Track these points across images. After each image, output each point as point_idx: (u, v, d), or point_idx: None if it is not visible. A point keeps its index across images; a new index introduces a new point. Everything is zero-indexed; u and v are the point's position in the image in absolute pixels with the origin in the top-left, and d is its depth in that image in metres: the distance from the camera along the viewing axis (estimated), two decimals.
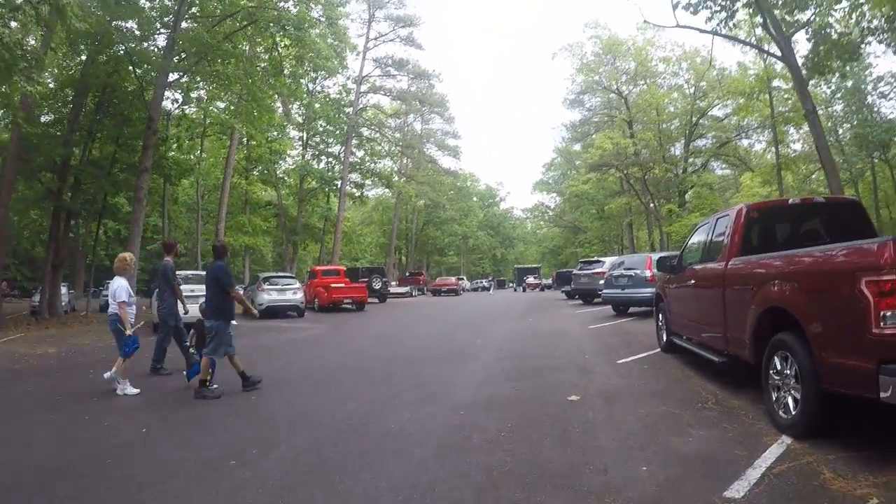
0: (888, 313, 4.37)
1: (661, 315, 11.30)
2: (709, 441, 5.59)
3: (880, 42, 22.16)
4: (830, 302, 5.07)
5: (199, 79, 28.24)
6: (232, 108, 30.03)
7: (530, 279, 68.32)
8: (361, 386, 8.91)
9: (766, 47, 26.42)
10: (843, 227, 7.75)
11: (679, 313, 9.91)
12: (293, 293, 24.44)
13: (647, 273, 18.17)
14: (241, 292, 9.69)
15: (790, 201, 8.31)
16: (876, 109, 40.72)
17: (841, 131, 42.52)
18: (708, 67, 36.93)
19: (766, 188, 43.82)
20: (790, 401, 5.71)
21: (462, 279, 66.62)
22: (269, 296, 23.82)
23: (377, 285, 35.33)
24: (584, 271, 26.50)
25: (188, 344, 9.90)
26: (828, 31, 20.95)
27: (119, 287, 8.62)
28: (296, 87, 31.39)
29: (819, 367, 5.12)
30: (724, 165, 55.40)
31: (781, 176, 36.04)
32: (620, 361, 10.32)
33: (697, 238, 9.49)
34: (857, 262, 4.71)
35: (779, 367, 5.93)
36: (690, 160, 50.70)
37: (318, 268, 32.01)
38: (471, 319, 21.51)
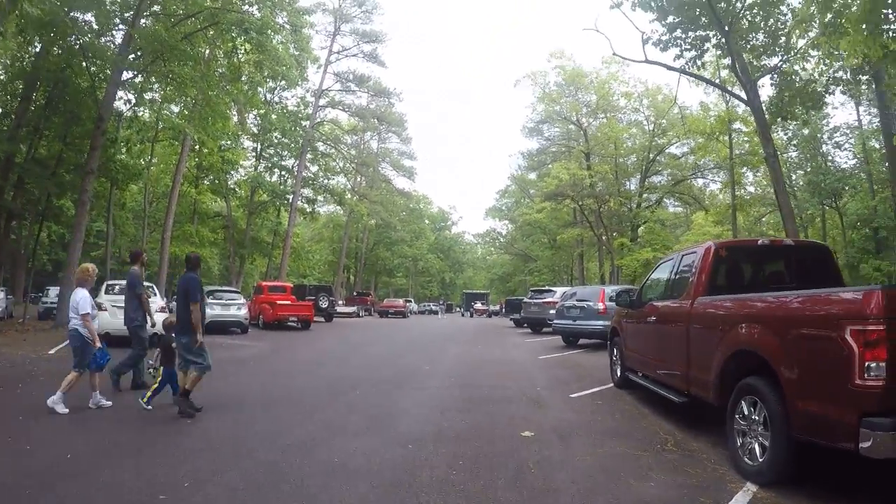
0: (872, 364, 4.17)
1: (615, 349, 11.04)
2: (671, 487, 5.28)
3: (843, 93, 22.58)
4: (809, 348, 4.84)
5: (153, 79, 27.27)
6: (186, 112, 28.97)
7: (478, 305, 68.15)
8: (304, 412, 8.39)
9: (731, 89, 26.73)
10: (810, 272, 7.62)
11: (636, 349, 9.65)
12: (237, 308, 23.63)
13: (600, 305, 18.00)
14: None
15: (759, 242, 8.10)
16: (830, 158, 41.66)
17: (794, 177, 43.35)
18: (671, 105, 37.24)
19: (718, 227, 44.49)
20: (757, 447, 5.47)
21: (410, 301, 66.09)
22: (211, 310, 22.81)
23: (324, 304, 34.58)
24: (535, 300, 26.28)
25: (151, 363, 9.30)
26: (793, 77, 21.23)
27: (82, 299, 8.16)
28: (252, 94, 30.68)
29: (792, 415, 4.90)
30: (676, 203, 56.27)
31: (736, 216, 36.42)
32: (574, 396, 10.00)
33: (660, 274, 9.26)
34: (843, 310, 4.48)
35: (745, 412, 5.68)
36: (645, 196, 51.25)
37: (264, 283, 31.16)
38: (418, 343, 21.08)
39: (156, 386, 8.53)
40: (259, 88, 44.65)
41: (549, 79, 52.48)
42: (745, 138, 34.79)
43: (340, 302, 51.43)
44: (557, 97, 52.03)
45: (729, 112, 33.68)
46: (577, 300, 19.03)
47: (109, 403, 8.32)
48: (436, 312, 69.97)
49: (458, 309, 78.76)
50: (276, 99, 47.31)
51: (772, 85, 22.15)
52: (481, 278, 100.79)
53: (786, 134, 39.51)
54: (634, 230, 49.73)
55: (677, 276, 8.32)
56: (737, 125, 34.62)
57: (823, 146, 41.62)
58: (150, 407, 8.24)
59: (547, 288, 29.51)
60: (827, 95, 22.06)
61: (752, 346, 5.64)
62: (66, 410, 7.79)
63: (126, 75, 25.17)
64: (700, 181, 51.94)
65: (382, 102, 56.28)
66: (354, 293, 60.95)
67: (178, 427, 7.43)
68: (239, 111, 39.07)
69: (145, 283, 10.96)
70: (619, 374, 10.78)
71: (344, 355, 16.54)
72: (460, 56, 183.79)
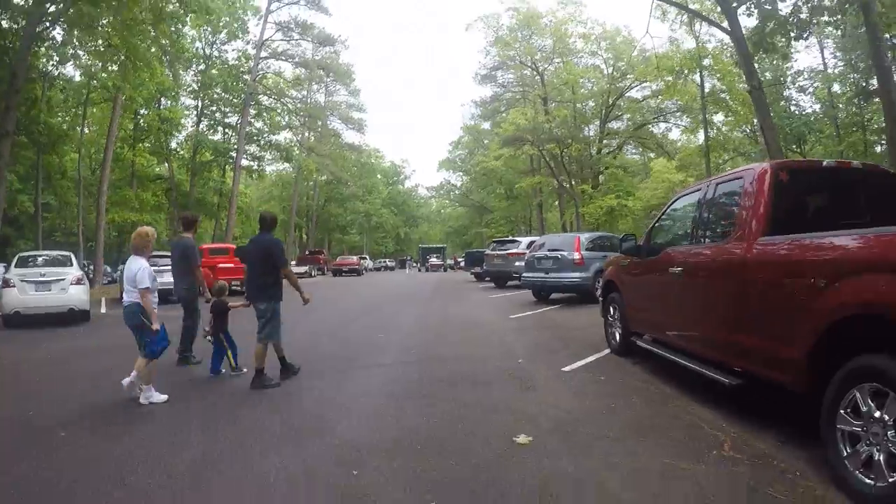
0: None
1: (612, 308, 8.94)
2: None
3: (827, 24, 21.07)
4: None
5: (75, 33, 24.13)
6: (110, 66, 25.88)
7: (433, 259, 66.24)
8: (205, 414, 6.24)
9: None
10: (882, 204, 5.57)
11: (647, 309, 7.55)
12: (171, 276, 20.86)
13: (576, 255, 15.97)
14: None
15: (825, 163, 5.90)
16: (794, 102, 40.54)
17: (756, 121, 42.02)
18: (637, 43, 35.43)
19: (681, 174, 42.94)
20: (881, 459, 3.56)
21: (365, 258, 63.75)
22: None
23: None
24: (498, 252, 24.18)
25: (207, 330, 8.41)
26: (775, 5, 19.67)
27: (141, 270, 6.91)
28: (178, 38, 27.59)
29: None
30: (635, 150, 54.89)
31: (709, 159, 34.70)
32: (567, 369, 7.88)
33: (679, 212, 7.20)
34: None
35: (861, 406, 3.71)
36: (605, 142, 49.64)
37: (205, 246, 28.51)
38: (373, 305, 18.81)
39: (229, 352, 8.14)
40: (191, 34, 42.22)
41: (502, 21, 50.07)
42: (717, 75, 32.87)
43: (292, 262, 49.15)
44: (511, 41, 49.55)
45: (700, 48, 31.74)
46: (548, 250, 16.94)
47: (165, 398, 6.83)
48: (392, 268, 68.04)
49: (414, 264, 76.97)
50: (217, 53, 45.34)
51: (748, 14, 20.69)
52: (437, 232, 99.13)
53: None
54: (596, 177, 48.08)
55: (712, 213, 6.25)
56: (706, 62, 32.85)
57: (787, 90, 40.39)
58: (244, 370, 7.95)
59: (511, 238, 27.36)
60: (811, 25, 20.49)
61: (878, 309, 3.64)
62: (165, 397, 6.81)
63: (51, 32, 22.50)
64: (662, 126, 50.65)
65: (328, 52, 53.15)
66: (307, 252, 58.47)
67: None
68: (172, 66, 36.09)
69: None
70: (618, 338, 8.73)
71: (283, 326, 14.07)
72: (366, 23, 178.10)
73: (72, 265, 15.74)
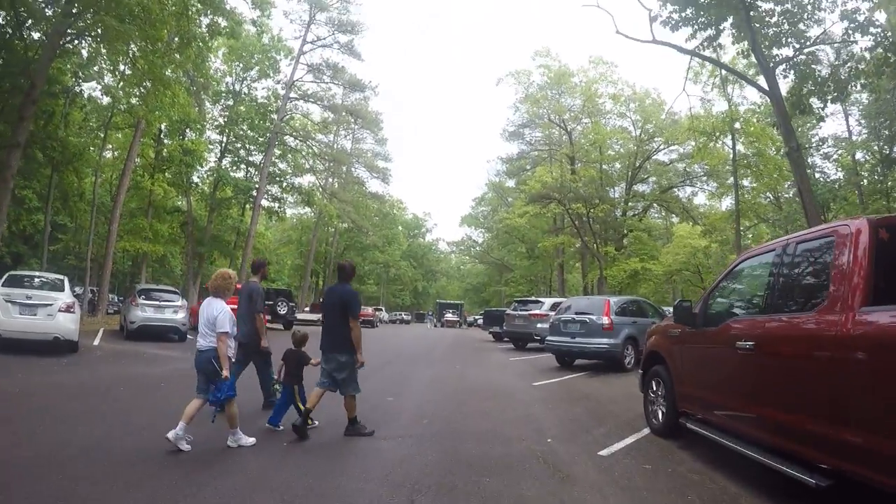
0: None
1: (656, 383, 7.87)
2: None
3: (863, 86, 20.44)
4: None
5: (102, 50, 23.76)
6: (132, 88, 25.44)
7: (448, 315, 65.06)
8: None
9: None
10: None
11: (703, 387, 6.49)
12: (173, 312, 20.00)
13: (605, 320, 14.84)
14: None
15: None
16: (819, 170, 39.53)
17: (778, 188, 41.09)
18: (667, 104, 34.89)
19: (705, 239, 41.90)
20: None
21: (380, 310, 62.66)
22: (143, 313, 19.46)
23: (282, 310, 30.91)
24: (519, 312, 23.07)
25: (275, 379, 8.32)
26: (814, 67, 19.03)
27: (223, 313, 6.60)
28: (202, 62, 27.09)
29: None
30: (657, 214, 54.09)
31: (739, 223, 33.62)
32: (604, 453, 6.78)
33: (746, 276, 6.21)
34: None
35: None
36: (630, 204, 48.81)
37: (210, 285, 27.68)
38: (384, 361, 17.59)
39: (298, 405, 7.64)
40: (222, 68, 42.25)
41: (532, 79, 50.03)
42: (751, 139, 32.04)
43: (306, 308, 48.35)
44: (541, 99, 49.27)
45: (732, 111, 31.03)
46: (575, 313, 15.80)
47: (252, 441, 6.80)
48: (407, 322, 66.85)
49: (429, 317, 75.77)
50: (246, 90, 44.95)
51: (784, 76, 19.94)
52: (455, 288, 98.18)
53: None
54: (620, 239, 47.13)
55: (792, 277, 5.24)
56: (737, 125, 32.12)
57: (810, 157, 39.49)
58: (280, 427, 7.49)
59: (533, 298, 26.29)
60: (849, 86, 19.84)
61: None
62: (188, 447, 6.35)
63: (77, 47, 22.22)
64: (688, 190, 49.85)
65: (357, 97, 52.90)
66: (321, 299, 57.20)
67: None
68: (197, 92, 35.82)
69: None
70: (661, 417, 7.64)
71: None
72: (441, 54, 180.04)
73: (63, 290, 14.68)
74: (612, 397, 10.82)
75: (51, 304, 13.69)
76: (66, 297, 14.33)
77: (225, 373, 6.53)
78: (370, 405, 8.90)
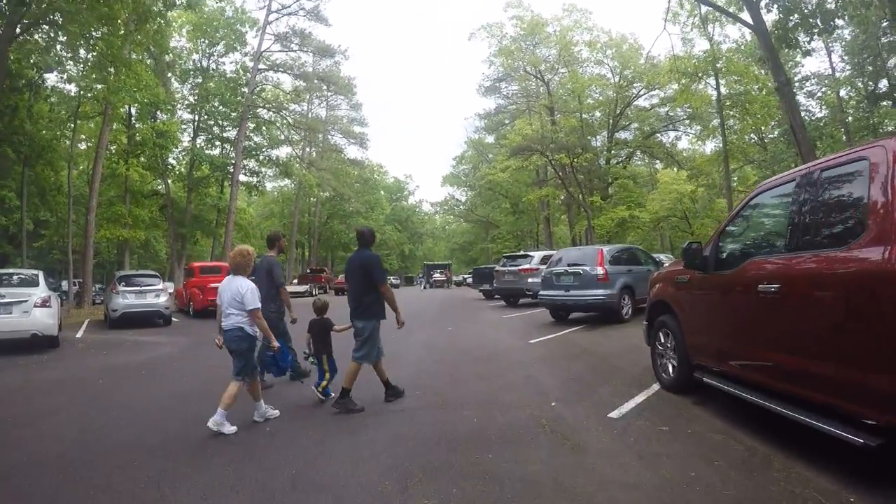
0: None
1: (664, 335, 7.32)
2: None
3: (850, 18, 19.89)
4: None
5: (59, 37, 22.77)
6: (96, 70, 24.45)
7: (436, 275, 64.59)
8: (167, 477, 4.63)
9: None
10: None
11: (720, 336, 5.93)
12: (155, 296, 19.49)
13: (599, 270, 14.27)
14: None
15: None
16: (803, 108, 38.95)
17: (764, 129, 40.50)
18: (660, 34, 34.12)
19: (691, 184, 41.39)
20: None
21: None
22: (124, 300, 19.05)
23: None
24: (509, 268, 22.47)
25: (307, 352, 7.87)
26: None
27: (249, 290, 6.51)
28: (161, 38, 26.14)
29: None
30: (640, 161, 53.55)
31: (728, 165, 32.98)
32: (614, 415, 6.25)
33: (762, 211, 5.63)
34: None
35: None
36: (613, 152, 48.17)
37: (195, 265, 26.98)
38: None
39: (327, 376, 7.59)
40: (187, 46, 41.19)
41: (505, 31, 48.72)
42: (734, 77, 31.31)
43: (294, 280, 48.29)
44: (515, 51, 48.08)
45: (713, 51, 30.28)
46: (567, 265, 15.24)
47: (277, 413, 6.85)
48: (396, 286, 66.29)
49: (419, 280, 75.34)
50: (214, 66, 43.95)
51: (768, 10, 19.36)
52: (441, 248, 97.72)
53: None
54: (606, 188, 46.57)
55: (819, 210, 4.64)
56: (719, 64, 31.34)
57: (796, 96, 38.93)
58: (332, 394, 7.44)
59: (522, 253, 25.67)
60: (837, 17, 19.28)
61: None
62: (234, 429, 6.27)
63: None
64: (671, 135, 49.32)
65: (328, 64, 51.77)
66: (308, 270, 56.83)
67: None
68: (160, 70, 34.74)
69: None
70: (671, 371, 7.12)
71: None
72: (410, 13, 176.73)
73: (38, 286, 14.08)
74: (614, 351, 10.30)
75: (25, 301, 13.06)
76: (41, 291, 13.69)
77: (275, 344, 6.62)
78: (359, 377, 8.31)
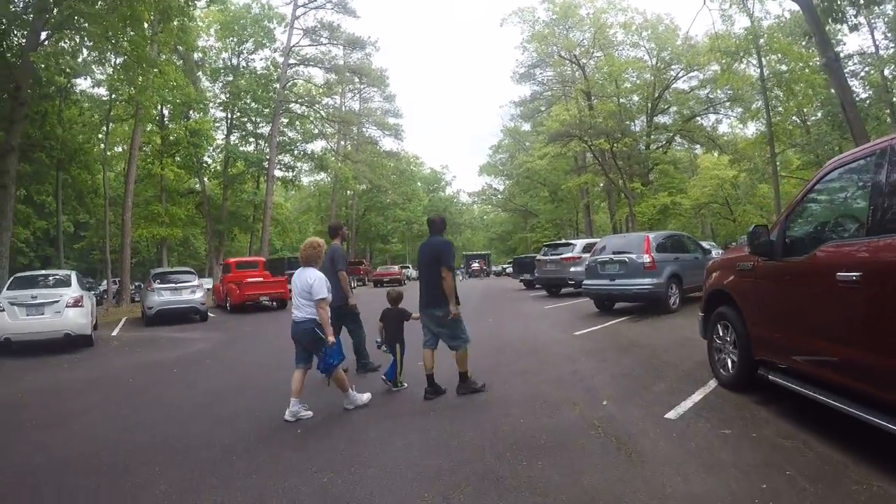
0: None
1: (722, 327, 6.79)
2: None
3: None
4: None
5: (85, 39, 22.79)
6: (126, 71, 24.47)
7: (474, 265, 64.08)
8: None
9: None
10: None
11: (789, 329, 5.40)
12: (191, 292, 19.55)
13: (646, 258, 13.73)
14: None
15: None
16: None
17: (805, 111, 39.04)
18: (700, 9, 33.08)
19: (733, 168, 40.26)
20: None
21: (407, 267, 61.84)
22: (159, 297, 19.18)
23: None
24: (550, 257, 21.91)
25: (378, 341, 7.92)
26: None
27: (317, 280, 6.51)
28: (185, 36, 26.17)
29: None
30: (679, 146, 52.37)
31: (774, 147, 31.84)
32: (671, 416, 5.77)
33: (837, 190, 5.11)
34: None
35: None
36: (653, 136, 47.13)
37: (231, 260, 27.05)
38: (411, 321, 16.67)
39: (400, 365, 7.64)
40: (217, 45, 41.52)
41: (538, 15, 48.04)
42: (777, 56, 30.14)
43: None
44: (549, 36, 47.36)
45: (754, 28, 29.22)
46: (613, 253, 14.70)
47: (368, 396, 6.97)
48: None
49: (460, 271, 74.95)
50: (244, 63, 44.21)
51: None
52: (480, 238, 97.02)
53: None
54: (646, 174, 45.57)
55: None
56: (761, 42, 30.22)
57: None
58: (405, 385, 7.61)
59: (564, 242, 25.05)
60: None
61: None
62: (310, 413, 6.50)
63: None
64: (711, 118, 48.13)
65: (359, 56, 51.78)
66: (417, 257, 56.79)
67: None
68: (188, 68, 34.97)
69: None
70: (731, 367, 6.59)
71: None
72: (400, 28, 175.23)
73: (70, 286, 14.11)
74: (664, 344, 9.77)
75: (57, 301, 13.14)
76: (72, 291, 13.71)
77: (331, 338, 6.46)
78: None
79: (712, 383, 6.87)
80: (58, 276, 15.10)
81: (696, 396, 6.41)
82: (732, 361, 6.55)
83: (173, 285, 19.58)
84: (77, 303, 13.37)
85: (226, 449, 5.53)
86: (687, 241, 16.34)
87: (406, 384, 7.55)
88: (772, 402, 5.90)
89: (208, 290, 25.32)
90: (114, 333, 16.87)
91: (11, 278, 14.77)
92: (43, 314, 12.90)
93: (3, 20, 20.43)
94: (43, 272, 16.79)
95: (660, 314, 13.54)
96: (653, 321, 12.76)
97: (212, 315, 20.90)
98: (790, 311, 5.39)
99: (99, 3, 19.55)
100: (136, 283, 38.19)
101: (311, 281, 6.45)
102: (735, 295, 6.40)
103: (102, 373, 10.28)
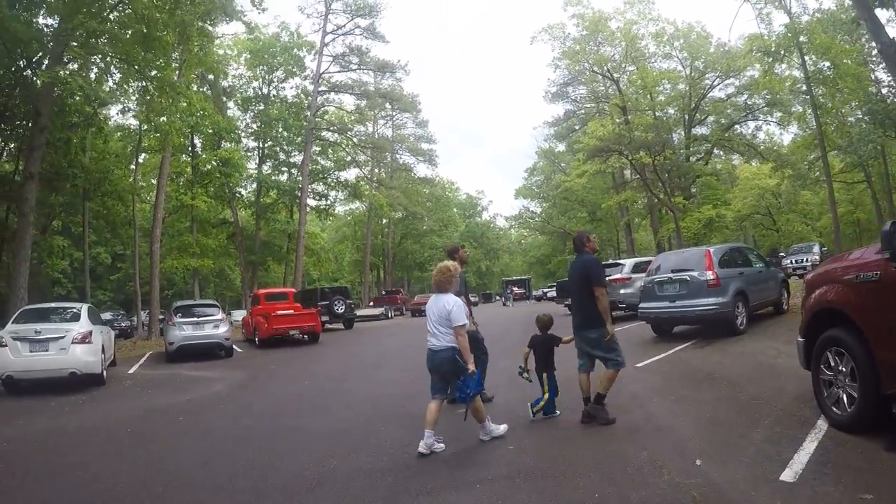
0: None
1: (833, 355, 5.50)
2: None
3: None
4: None
5: (110, 64, 22.50)
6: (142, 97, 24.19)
7: (514, 289, 62.67)
8: None
9: None
10: None
11: None
12: (214, 327, 18.51)
13: (709, 276, 12.36)
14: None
15: None
16: (885, 84, 35.39)
17: (844, 110, 37.14)
18: (742, 4, 31.51)
19: (776, 176, 38.61)
20: None
21: None
22: (181, 332, 18.14)
23: (339, 309, 29.14)
24: None
25: (523, 367, 7.49)
26: None
27: (456, 306, 6.18)
28: (206, 56, 25.80)
29: None
30: (719, 156, 50.82)
31: (825, 148, 30.16)
32: (788, 477, 4.45)
33: None
34: None
35: None
36: (693, 148, 45.64)
37: (260, 291, 26.10)
38: None
39: (546, 395, 7.16)
40: (247, 74, 41.46)
41: (568, 31, 46.85)
42: (821, 51, 28.63)
43: (370, 304, 48.26)
44: (580, 52, 46.29)
45: (794, 24, 27.81)
46: (671, 272, 13.34)
47: (504, 427, 6.53)
48: (475, 304, 64.82)
49: (497, 298, 73.42)
50: (275, 92, 44.26)
51: None
52: (519, 263, 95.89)
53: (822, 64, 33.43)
54: (688, 188, 44.07)
55: None
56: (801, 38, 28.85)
57: (872, 73, 35.15)
58: (557, 412, 7.23)
59: (612, 262, 23.57)
60: None
61: None
62: (505, 427, 6.53)
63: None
64: (751, 125, 46.62)
65: (389, 82, 51.60)
66: (383, 292, 56.08)
67: None
68: (218, 97, 34.71)
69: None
70: (847, 404, 5.33)
71: (336, 389, 10.77)
72: (469, 24, 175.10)
73: (78, 320, 13.13)
74: (744, 374, 8.43)
75: (62, 337, 12.18)
76: (80, 327, 12.73)
77: (471, 367, 6.14)
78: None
79: (822, 424, 5.60)
80: (68, 310, 14.24)
81: (809, 445, 5.11)
82: (850, 396, 5.29)
83: (195, 319, 18.60)
84: (85, 339, 12.45)
85: None
86: (749, 254, 15.00)
87: (559, 412, 7.23)
88: None
89: (234, 322, 24.36)
90: (131, 371, 15.96)
91: (19, 311, 14.06)
92: (47, 350, 12.02)
93: (21, 44, 20.00)
94: (53, 305, 15.97)
95: (726, 337, 12.17)
96: (721, 346, 11.39)
97: (238, 350, 19.94)
98: None
99: (112, 18, 19.20)
100: (162, 316, 38.04)
101: (448, 307, 6.16)
102: (854, 314, 5.12)
103: (101, 420, 9.22)
